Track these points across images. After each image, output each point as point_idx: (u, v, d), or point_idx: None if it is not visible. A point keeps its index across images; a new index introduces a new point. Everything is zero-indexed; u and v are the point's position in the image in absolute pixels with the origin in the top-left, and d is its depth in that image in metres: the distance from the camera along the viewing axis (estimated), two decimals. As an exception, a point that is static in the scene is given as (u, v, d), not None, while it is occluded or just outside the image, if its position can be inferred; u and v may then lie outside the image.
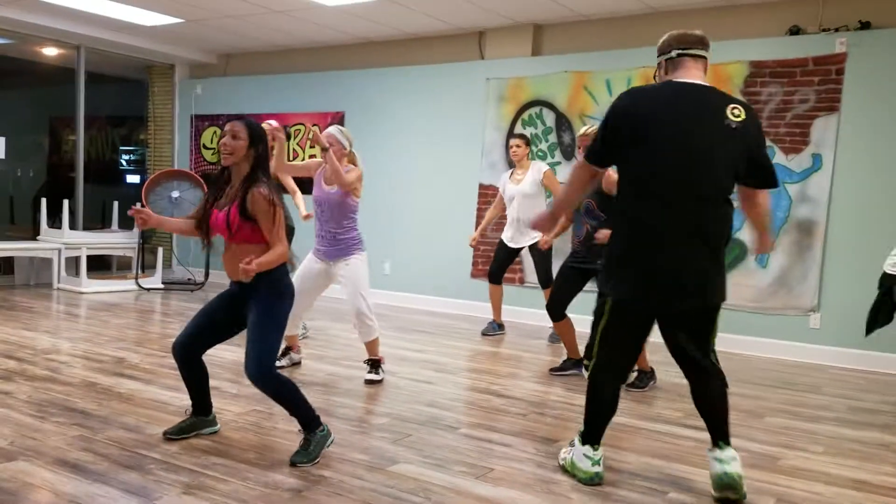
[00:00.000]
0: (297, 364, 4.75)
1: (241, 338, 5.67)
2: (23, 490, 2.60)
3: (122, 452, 3.02)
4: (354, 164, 4.44)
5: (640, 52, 6.45)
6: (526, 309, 6.90)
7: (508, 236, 6.09)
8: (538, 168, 6.00)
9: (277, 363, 4.59)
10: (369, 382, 4.39)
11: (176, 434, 3.18)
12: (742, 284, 6.03)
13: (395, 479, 2.88)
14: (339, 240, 4.38)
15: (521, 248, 6.07)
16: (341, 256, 4.38)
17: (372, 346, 4.47)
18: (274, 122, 5.41)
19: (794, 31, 5.94)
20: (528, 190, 5.92)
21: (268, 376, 2.98)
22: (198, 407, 3.25)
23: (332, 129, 4.39)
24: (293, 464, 2.94)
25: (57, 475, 2.75)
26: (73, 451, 3.00)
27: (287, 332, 4.63)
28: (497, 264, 6.19)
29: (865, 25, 5.69)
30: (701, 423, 2.94)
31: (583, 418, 2.95)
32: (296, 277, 4.50)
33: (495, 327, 6.30)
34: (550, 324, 5.30)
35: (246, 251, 2.95)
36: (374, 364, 4.48)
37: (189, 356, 3.15)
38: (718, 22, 6.26)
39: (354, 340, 5.13)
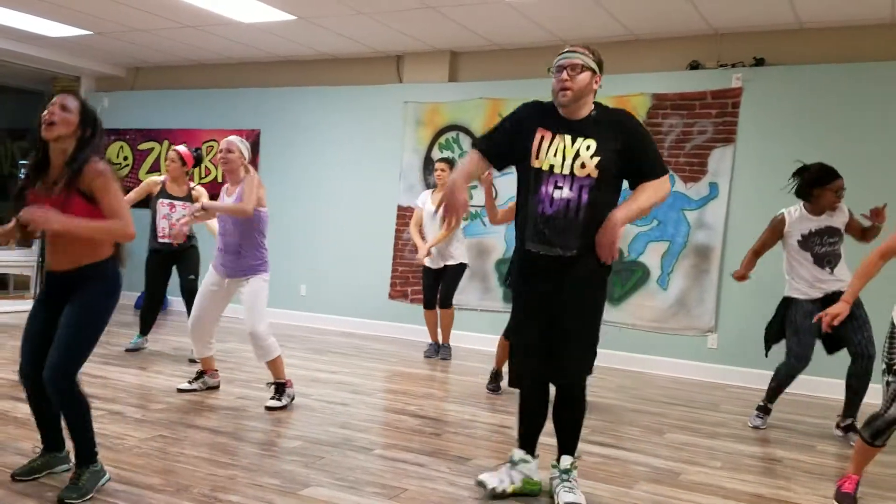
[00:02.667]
0: (214, 388, 4.61)
1: (141, 359, 5.51)
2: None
3: (20, 480, 2.88)
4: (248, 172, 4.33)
5: (550, 82, 6.66)
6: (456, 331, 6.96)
7: (432, 262, 6.20)
8: None
9: (188, 386, 4.50)
10: (270, 409, 4.20)
11: (26, 475, 2.83)
12: (643, 305, 6.29)
13: (306, 502, 2.86)
14: (242, 256, 4.25)
15: (444, 268, 6.16)
16: (243, 275, 4.25)
17: (275, 366, 4.29)
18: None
19: (694, 65, 6.29)
20: None
21: (66, 386, 2.66)
22: (49, 441, 2.92)
23: (234, 139, 4.32)
24: (60, 500, 2.63)
25: (-55, 507, 2.60)
26: (-37, 482, 2.84)
27: (200, 354, 4.51)
28: (430, 293, 6.29)
29: (760, 62, 6.09)
30: (604, 439, 3.05)
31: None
32: (199, 293, 4.39)
33: (436, 349, 6.36)
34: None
35: (78, 239, 2.68)
36: (279, 388, 4.29)
37: (38, 384, 2.73)
38: (623, 55, 6.56)
39: (260, 364, 5.05)
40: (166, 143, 8.57)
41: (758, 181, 5.98)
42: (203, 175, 8.34)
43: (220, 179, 8.26)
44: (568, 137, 2.86)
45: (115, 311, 2.84)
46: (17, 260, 8.04)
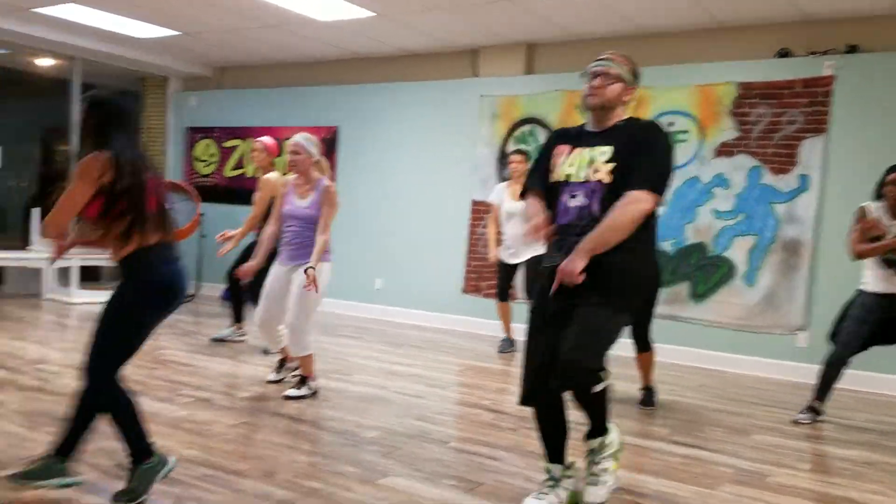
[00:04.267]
0: (297, 370, 4.64)
1: (228, 348, 5.70)
2: (14, 501, 2.60)
3: (113, 464, 3.01)
4: (322, 173, 4.36)
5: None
6: (518, 325, 6.92)
7: (507, 253, 6.09)
8: None
9: (276, 376, 4.55)
10: (288, 398, 4.22)
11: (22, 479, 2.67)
12: (728, 302, 6.09)
13: (385, 491, 2.89)
14: (305, 245, 4.25)
15: (520, 263, 6.04)
16: (304, 261, 4.20)
17: (305, 361, 4.31)
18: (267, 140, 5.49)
19: (783, 53, 6.05)
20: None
21: (94, 383, 2.61)
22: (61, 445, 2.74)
23: (298, 137, 4.30)
24: (116, 501, 2.61)
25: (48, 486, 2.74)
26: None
27: (274, 348, 4.58)
28: (504, 284, 6.21)
29: (853, 49, 5.79)
30: (687, 440, 2.97)
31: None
32: (264, 291, 4.47)
33: (508, 344, 6.29)
34: None
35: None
36: (302, 380, 4.32)
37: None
38: (708, 44, 6.36)
39: (345, 354, 5.16)
40: (249, 140, 8.81)
41: (851, 173, 5.70)
42: (285, 172, 8.53)
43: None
44: (587, 149, 2.76)
45: (157, 309, 2.72)
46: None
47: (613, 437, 2.87)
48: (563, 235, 2.75)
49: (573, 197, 2.74)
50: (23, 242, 8.35)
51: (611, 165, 2.68)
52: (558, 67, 7.05)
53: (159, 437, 3.33)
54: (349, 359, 5.50)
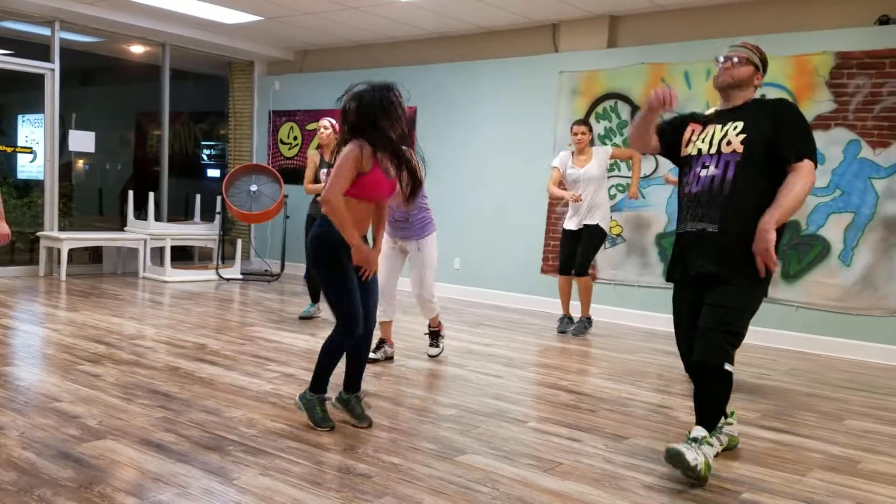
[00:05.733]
0: (390, 359, 4.75)
1: (312, 326, 5.85)
2: (110, 467, 2.75)
3: (203, 434, 3.14)
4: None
5: (719, 43, 6.26)
6: (597, 305, 6.82)
7: (574, 223, 6.01)
8: (604, 151, 6.03)
9: (372, 355, 4.60)
10: (432, 357, 4.82)
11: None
12: (823, 283, 5.82)
13: (463, 468, 2.91)
14: (411, 222, 4.49)
15: (582, 229, 5.96)
16: (413, 238, 4.53)
17: (435, 319, 4.85)
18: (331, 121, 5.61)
19: (884, 20, 5.68)
20: (597, 173, 5.91)
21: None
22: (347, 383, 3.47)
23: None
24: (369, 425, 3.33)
25: (141, 454, 2.89)
26: (156, 432, 3.15)
27: (380, 317, 4.66)
28: (565, 256, 6.09)
29: (963, 12, 5.39)
30: (776, 424, 2.87)
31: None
32: (379, 261, 4.57)
33: (565, 321, 6.24)
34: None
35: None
36: (434, 334, 4.87)
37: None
38: (802, 12, 6.05)
39: (422, 333, 5.19)
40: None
41: (961, 145, 5.32)
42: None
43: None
44: (719, 126, 3.03)
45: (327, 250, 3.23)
46: (201, 233, 8.75)
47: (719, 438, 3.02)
48: (694, 203, 3.00)
49: (705, 167, 2.99)
50: (120, 223, 8.77)
51: (742, 136, 2.92)
52: (643, 40, 6.85)
53: (246, 410, 3.46)
54: (424, 338, 5.54)
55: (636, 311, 6.74)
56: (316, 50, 9.33)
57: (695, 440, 2.83)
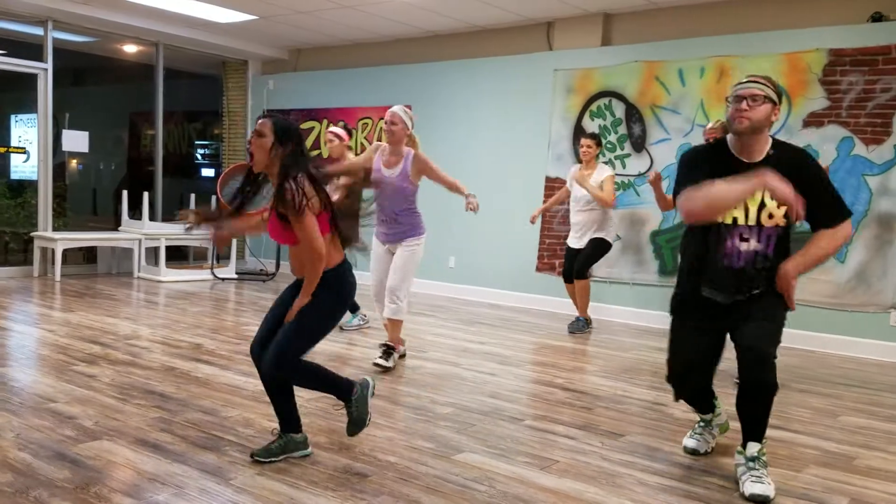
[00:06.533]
0: (402, 357, 4.73)
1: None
2: (106, 468, 2.74)
3: (200, 434, 3.14)
4: (415, 147, 4.47)
5: (713, 41, 6.30)
6: (594, 303, 6.84)
7: (573, 239, 6.11)
8: (602, 172, 5.96)
9: (383, 362, 4.50)
10: (377, 366, 4.38)
11: (264, 456, 2.85)
12: (817, 279, 5.84)
13: (459, 467, 2.92)
14: (399, 222, 4.44)
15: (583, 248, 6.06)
16: (401, 240, 4.46)
17: (395, 328, 4.50)
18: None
19: (877, 17, 5.70)
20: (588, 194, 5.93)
21: (284, 371, 2.80)
22: (285, 423, 2.93)
23: (396, 108, 4.42)
24: (252, 456, 2.84)
25: (138, 454, 2.89)
26: (153, 432, 3.15)
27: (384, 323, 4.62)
28: (567, 266, 6.19)
29: (955, 9, 5.42)
30: (771, 421, 2.88)
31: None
32: (371, 266, 4.57)
33: (582, 323, 6.21)
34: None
35: (299, 252, 2.81)
36: (388, 350, 4.46)
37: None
38: (795, 9, 6.07)
39: (419, 331, 5.21)
40: (325, 122, 8.95)
41: (953, 142, 5.35)
42: (358, 151, 8.64)
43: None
44: None
45: (341, 316, 2.96)
46: (195, 234, 8.71)
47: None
48: (734, 279, 2.83)
49: (745, 240, 2.80)
50: (114, 223, 8.75)
51: (784, 209, 2.75)
52: (637, 38, 6.86)
53: (243, 410, 3.46)
54: (423, 336, 5.55)
55: (631, 308, 6.76)
56: (310, 49, 9.32)
57: (755, 459, 2.78)
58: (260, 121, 2.80)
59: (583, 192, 5.93)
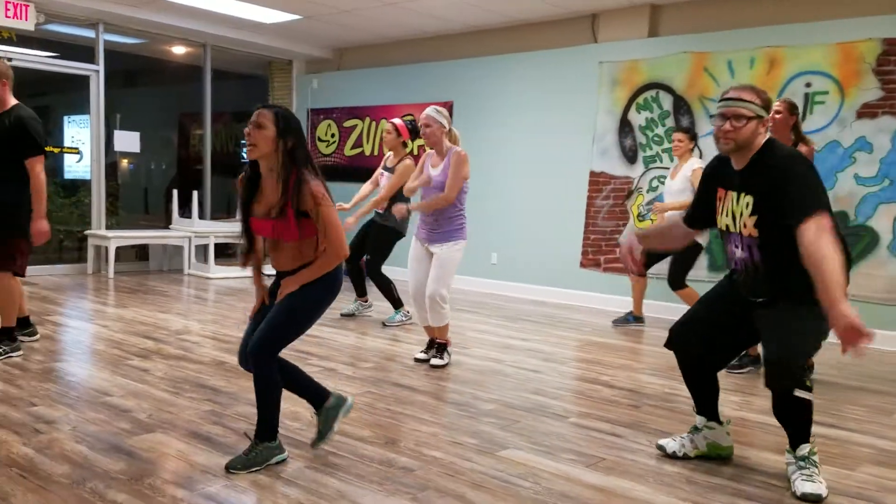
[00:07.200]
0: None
1: (353, 322, 5.91)
2: (160, 460, 2.82)
3: (249, 427, 3.20)
4: (456, 143, 4.44)
5: (763, 31, 6.16)
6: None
7: None
8: (690, 165, 5.59)
9: (423, 355, 4.59)
10: (434, 367, 4.44)
11: (238, 468, 2.72)
12: (871, 275, 5.67)
13: (504, 463, 2.92)
14: (440, 224, 4.39)
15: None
16: (441, 241, 4.41)
17: (442, 331, 4.51)
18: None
19: (936, 2, 5.51)
20: (677, 185, 5.61)
21: (261, 361, 2.72)
22: (266, 428, 2.81)
23: (428, 110, 4.38)
24: (226, 468, 2.71)
25: (190, 446, 2.96)
26: (204, 425, 3.22)
27: (422, 322, 4.60)
28: (646, 257, 5.96)
29: None
30: (824, 419, 2.81)
31: None
32: (408, 265, 4.58)
33: (630, 319, 6.15)
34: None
35: (299, 246, 2.74)
36: (441, 348, 4.52)
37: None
38: (849, -4, 5.90)
39: (462, 328, 5.22)
40: (367, 119, 9.01)
41: None
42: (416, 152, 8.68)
43: (415, 152, 8.55)
44: (734, 194, 2.81)
45: (326, 308, 2.84)
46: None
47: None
48: (738, 278, 2.89)
49: (736, 247, 2.84)
50: (165, 221, 8.95)
51: (754, 219, 2.71)
52: (685, 28, 6.75)
53: (289, 403, 3.50)
54: (466, 333, 5.56)
55: (680, 304, 6.65)
56: (353, 48, 9.39)
57: (805, 459, 2.72)
58: (258, 111, 2.72)
59: (676, 185, 5.64)
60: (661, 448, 3.08)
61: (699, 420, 3.05)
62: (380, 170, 5.81)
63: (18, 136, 4.14)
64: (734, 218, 2.79)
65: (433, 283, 4.38)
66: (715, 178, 2.91)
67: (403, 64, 8.79)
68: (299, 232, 2.70)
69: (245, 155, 10.69)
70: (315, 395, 2.95)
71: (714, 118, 2.80)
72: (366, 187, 5.92)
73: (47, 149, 4.56)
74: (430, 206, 4.37)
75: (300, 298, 2.73)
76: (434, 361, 4.49)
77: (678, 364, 3.07)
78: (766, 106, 2.75)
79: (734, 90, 2.76)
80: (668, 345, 3.06)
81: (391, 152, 5.74)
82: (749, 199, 2.73)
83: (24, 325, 4.61)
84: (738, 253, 2.82)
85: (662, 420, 3.59)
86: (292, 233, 2.70)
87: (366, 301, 6.10)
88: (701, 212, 3.01)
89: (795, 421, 2.74)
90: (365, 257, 5.79)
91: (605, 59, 7.14)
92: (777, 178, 2.65)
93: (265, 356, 2.72)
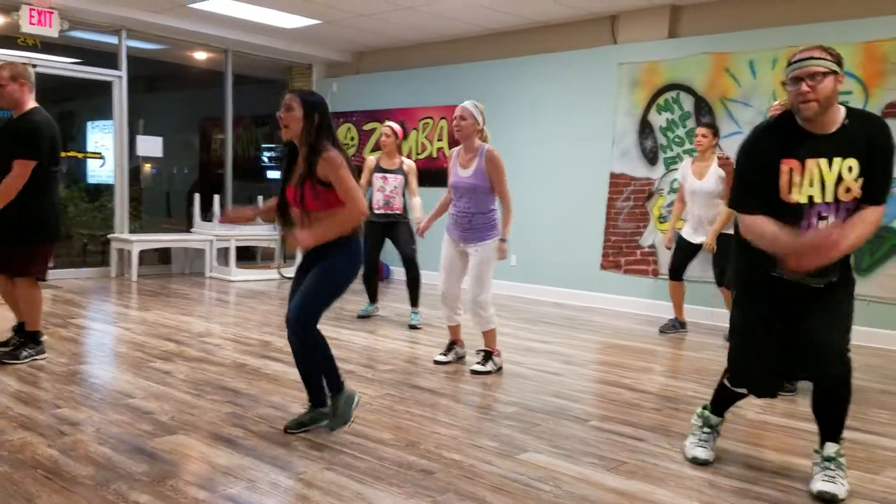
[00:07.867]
0: (461, 359, 4.66)
1: (372, 323, 5.92)
2: (182, 461, 2.84)
3: (270, 429, 3.22)
4: (485, 141, 4.41)
5: (785, 31, 6.10)
6: (660, 302, 6.71)
7: (689, 231, 5.71)
8: (720, 171, 5.51)
9: (443, 357, 4.60)
10: (475, 373, 4.34)
11: (295, 428, 3.19)
12: (899, 277, 5.59)
13: (524, 466, 2.90)
14: (475, 223, 4.33)
15: (702, 244, 5.63)
16: (473, 241, 4.35)
17: (489, 336, 4.43)
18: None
19: (963, -1, 5.42)
20: (712, 187, 5.49)
21: (301, 329, 3.05)
22: (314, 398, 3.24)
23: (467, 103, 4.36)
24: (331, 429, 3.16)
25: (212, 448, 2.98)
26: (226, 427, 3.24)
27: (449, 321, 4.60)
28: (677, 261, 5.83)
29: None
30: (849, 422, 2.78)
31: None
32: (441, 264, 4.54)
33: (676, 325, 6.02)
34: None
35: (321, 218, 3.02)
36: (487, 355, 4.42)
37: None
38: (873, -6, 5.82)
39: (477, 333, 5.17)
40: (386, 122, 9.03)
41: None
42: (419, 151, 8.70)
43: (434, 155, 8.56)
44: (823, 161, 2.59)
45: (353, 279, 3.16)
46: (264, 234, 8.94)
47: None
48: None
49: (823, 218, 2.62)
50: (187, 225, 9.03)
51: (861, 181, 2.59)
52: (705, 29, 6.70)
53: (299, 405, 3.51)
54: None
55: (700, 306, 6.60)
56: (371, 51, 9.43)
57: (831, 460, 2.70)
58: (288, 96, 3.05)
59: (699, 184, 5.55)
60: (694, 460, 3.00)
61: (714, 419, 3.08)
62: (373, 172, 5.85)
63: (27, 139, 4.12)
64: (823, 186, 2.58)
65: (473, 288, 4.33)
66: (772, 152, 2.64)
67: (422, 67, 8.81)
68: (317, 200, 2.99)
69: (265, 158, 10.83)
70: (335, 378, 3.21)
71: (787, 85, 2.61)
72: (416, 200, 5.88)
73: (64, 154, 4.53)
74: (509, 224, 4.41)
75: (329, 269, 3.06)
76: (475, 367, 4.38)
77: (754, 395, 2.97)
78: (839, 62, 2.59)
79: (801, 52, 2.60)
80: (745, 387, 2.91)
81: (384, 154, 5.94)
82: (852, 163, 2.57)
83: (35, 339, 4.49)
84: (826, 224, 2.61)
85: (685, 423, 3.55)
86: (309, 199, 3.00)
87: (377, 308, 6.20)
88: (765, 194, 2.66)
89: (840, 412, 2.72)
90: (410, 247, 5.85)
91: (625, 60, 7.10)
92: (884, 144, 2.60)
93: (303, 322, 3.04)
